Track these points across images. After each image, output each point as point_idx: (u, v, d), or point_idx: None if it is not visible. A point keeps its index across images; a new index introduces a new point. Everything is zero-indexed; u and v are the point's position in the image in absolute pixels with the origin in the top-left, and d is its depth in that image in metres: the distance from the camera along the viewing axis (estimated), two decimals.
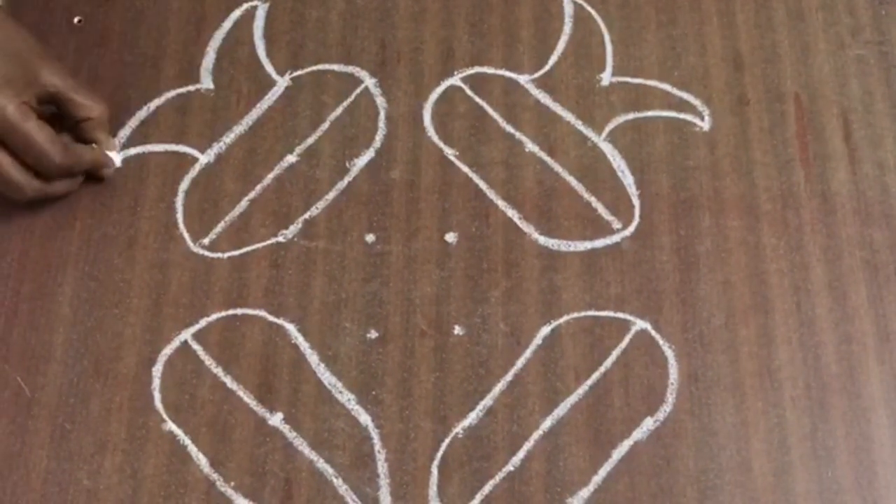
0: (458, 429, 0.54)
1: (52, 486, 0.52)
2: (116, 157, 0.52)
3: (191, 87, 0.62)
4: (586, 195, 0.59)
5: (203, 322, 0.56)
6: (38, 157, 0.53)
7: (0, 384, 0.54)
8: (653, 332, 0.56)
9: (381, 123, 0.61)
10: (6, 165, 0.52)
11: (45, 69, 0.53)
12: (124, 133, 0.60)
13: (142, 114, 0.61)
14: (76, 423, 0.54)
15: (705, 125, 0.61)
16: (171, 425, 0.54)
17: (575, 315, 0.57)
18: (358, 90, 0.62)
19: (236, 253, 0.58)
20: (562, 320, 0.56)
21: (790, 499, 0.53)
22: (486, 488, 0.53)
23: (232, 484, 0.53)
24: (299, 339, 0.56)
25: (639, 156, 0.60)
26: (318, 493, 0.52)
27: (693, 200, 0.59)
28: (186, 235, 0.58)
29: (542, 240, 0.58)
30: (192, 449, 0.53)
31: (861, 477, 0.53)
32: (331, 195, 0.59)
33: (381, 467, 0.53)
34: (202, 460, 0.53)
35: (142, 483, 0.53)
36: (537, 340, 0.56)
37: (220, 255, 0.58)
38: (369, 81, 0.62)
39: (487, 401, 0.55)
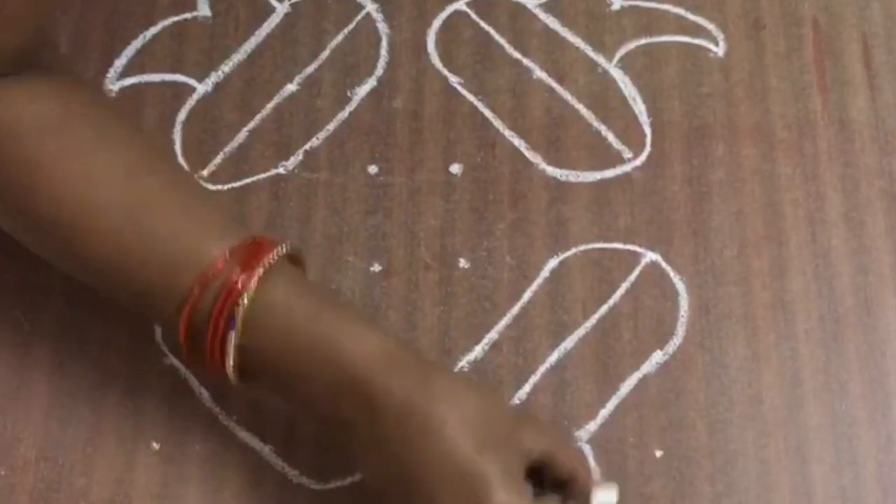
0: (464, 362, 0.54)
1: (54, 420, 0.53)
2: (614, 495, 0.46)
3: (188, 15, 0.61)
4: (596, 124, 0.59)
5: None
6: None
7: None
8: (663, 264, 0.56)
9: (384, 51, 0.60)
10: None
11: (524, 432, 0.46)
12: (120, 63, 0.60)
13: (137, 43, 0.60)
14: (76, 358, 0.54)
15: (719, 51, 0.60)
16: (171, 359, 0.54)
17: (583, 247, 0.57)
18: (359, 16, 0.61)
19: (237, 184, 0.58)
20: (569, 253, 0.56)
21: (802, 432, 0.53)
22: None
23: (234, 418, 0.53)
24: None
25: (650, 82, 0.60)
26: (322, 428, 0.53)
27: (706, 129, 0.59)
28: (186, 166, 0.58)
29: (550, 170, 0.58)
30: (194, 383, 0.54)
31: (875, 410, 0.53)
32: (332, 125, 0.59)
33: None
34: (204, 394, 0.54)
35: (144, 417, 0.53)
36: (544, 273, 0.56)
37: (220, 186, 0.58)
38: (371, 7, 0.61)
39: (493, 334, 0.55)
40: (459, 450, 0.44)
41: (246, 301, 0.45)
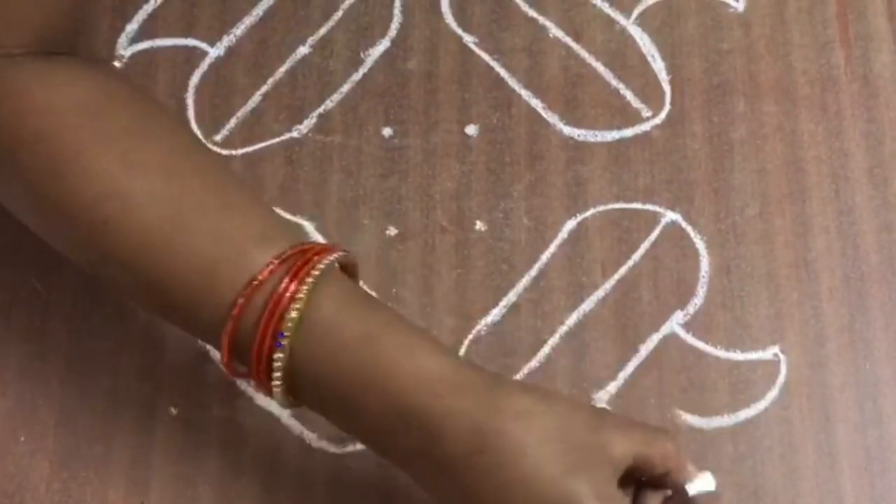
0: (481, 325, 0.55)
1: (72, 387, 0.55)
2: (710, 482, 0.44)
3: None
4: (614, 82, 0.60)
5: None
6: None
7: (15, 286, 0.56)
8: (683, 224, 0.57)
9: (397, 11, 0.61)
10: None
11: (611, 438, 0.42)
12: (131, 28, 0.61)
13: (148, 7, 0.62)
14: (93, 324, 0.56)
15: (740, 6, 0.61)
16: None
17: (602, 208, 0.58)
18: None
19: (250, 149, 0.59)
20: (588, 213, 0.57)
21: (826, 392, 0.54)
22: None
23: (252, 383, 0.55)
24: (317, 237, 0.57)
25: (670, 39, 0.60)
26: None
27: (727, 85, 0.59)
28: (198, 132, 0.59)
29: (568, 130, 0.59)
30: (212, 348, 0.55)
31: None
32: (345, 88, 0.60)
33: None
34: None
35: (161, 383, 0.55)
36: (562, 234, 0.57)
37: (233, 151, 0.59)
38: None
39: (511, 297, 0.56)
40: (544, 474, 0.41)
41: (294, 315, 0.43)
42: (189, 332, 0.48)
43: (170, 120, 0.49)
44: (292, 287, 0.43)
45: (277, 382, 0.44)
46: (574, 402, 0.45)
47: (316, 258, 0.44)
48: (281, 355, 0.43)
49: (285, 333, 0.43)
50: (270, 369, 0.44)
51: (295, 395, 0.45)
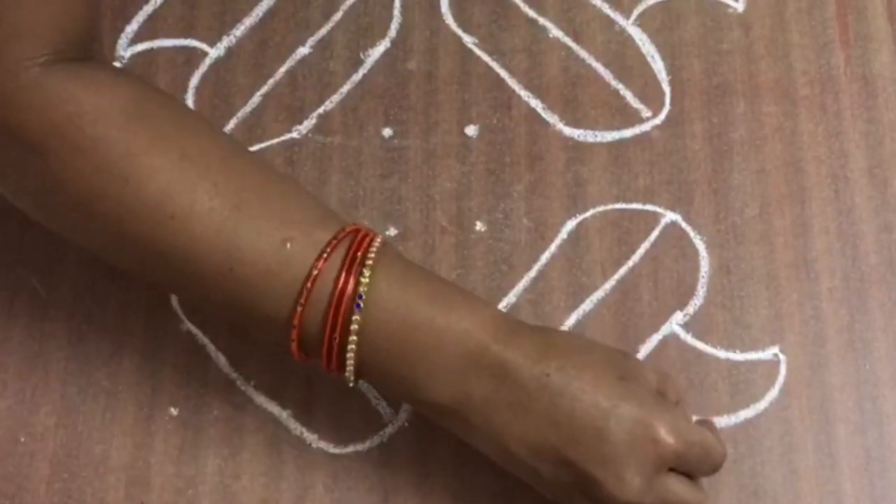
0: None
1: (72, 387, 0.55)
2: None
3: None
4: (614, 82, 0.60)
5: None
6: (714, 458, 0.48)
7: (16, 286, 0.57)
8: (683, 224, 0.57)
9: (397, 11, 0.61)
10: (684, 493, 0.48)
11: (643, 366, 0.49)
12: (131, 28, 0.61)
13: (148, 8, 0.62)
14: (93, 325, 0.56)
15: (739, 6, 0.61)
16: (188, 325, 0.56)
17: (601, 208, 0.58)
18: None
19: (250, 150, 0.59)
20: (588, 214, 0.58)
21: (826, 392, 0.54)
22: None
23: (252, 383, 0.55)
24: None
25: (669, 40, 0.60)
26: (340, 393, 0.54)
27: (726, 86, 0.59)
28: None
29: (567, 130, 0.59)
30: (211, 349, 0.56)
31: None
32: (345, 88, 0.60)
33: None
34: (221, 360, 0.55)
35: (161, 383, 0.55)
36: (562, 235, 0.57)
37: None
38: None
39: (511, 297, 0.56)
40: (604, 382, 0.46)
41: (366, 280, 0.46)
42: (246, 321, 0.49)
43: (202, 117, 0.51)
44: (359, 256, 0.46)
45: (350, 369, 0.47)
46: (607, 345, 0.51)
47: (373, 233, 0.48)
48: (357, 317, 0.46)
49: (363, 296, 0.46)
50: (341, 359, 0.47)
51: (362, 371, 0.48)
